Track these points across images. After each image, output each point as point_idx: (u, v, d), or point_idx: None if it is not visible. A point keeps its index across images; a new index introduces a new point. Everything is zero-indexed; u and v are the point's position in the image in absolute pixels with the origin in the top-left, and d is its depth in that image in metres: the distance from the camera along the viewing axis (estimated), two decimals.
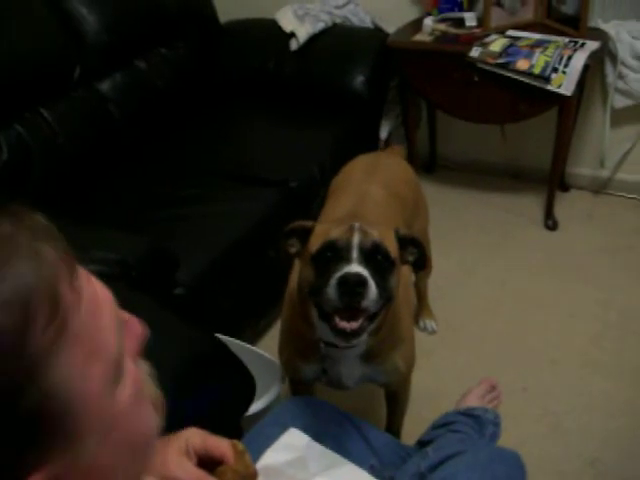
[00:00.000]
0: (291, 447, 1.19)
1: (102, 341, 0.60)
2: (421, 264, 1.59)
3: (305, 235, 1.53)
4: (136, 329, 0.68)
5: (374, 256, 1.41)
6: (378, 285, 1.37)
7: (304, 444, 1.21)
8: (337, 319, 1.38)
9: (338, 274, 1.35)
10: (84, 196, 2.46)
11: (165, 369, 1.35)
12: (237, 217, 2.33)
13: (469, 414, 1.95)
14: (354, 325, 1.37)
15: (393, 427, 2.05)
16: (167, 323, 1.45)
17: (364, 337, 1.45)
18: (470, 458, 1.40)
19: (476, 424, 1.91)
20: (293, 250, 1.56)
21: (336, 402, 1.62)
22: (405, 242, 1.54)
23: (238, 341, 1.99)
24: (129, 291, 1.43)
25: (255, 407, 1.72)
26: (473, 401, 2.13)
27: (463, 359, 2.34)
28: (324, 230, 1.47)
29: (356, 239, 1.40)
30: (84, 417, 0.58)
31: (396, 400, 1.97)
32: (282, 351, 1.80)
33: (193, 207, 2.33)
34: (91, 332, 0.58)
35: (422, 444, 1.73)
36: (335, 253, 1.40)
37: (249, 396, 1.55)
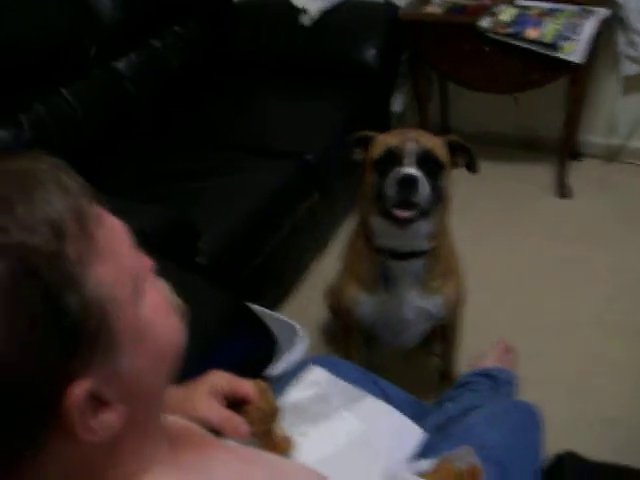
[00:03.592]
0: (313, 384, 1.23)
1: (124, 258, 0.66)
2: (472, 167, 1.82)
3: (367, 144, 1.79)
4: (147, 260, 0.74)
5: (425, 160, 1.68)
6: (429, 184, 1.65)
7: (325, 380, 1.24)
8: (395, 210, 1.66)
9: (395, 175, 1.64)
10: (103, 172, 2.48)
11: (189, 327, 1.40)
12: (255, 188, 2.37)
13: (486, 374, 1.98)
14: (408, 214, 1.66)
15: (447, 365, 2.24)
16: (191, 283, 1.50)
17: (418, 227, 1.72)
18: (489, 410, 1.44)
19: (493, 383, 1.94)
20: (359, 157, 1.82)
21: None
22: (455, 148, 1.78)
23: (257, 306, 2.02)
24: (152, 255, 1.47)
25: (276, 369, 1.77)
26: (490, 362, 2.16)
27: (478, 325, 2.37)
28: (383, 139, 1.74)
29: (410, 146, 1.67)
30: (118, 325, 0.64)
31: (448, 336, 2.17)
32: (344, 285, 1.97)
33: (211, 180, 2.37)
34: (114, 249, 0.65)
35: (440, 403, 1.77)
36: (393, 158, 1.68)
37: (270, 354, 1.59)
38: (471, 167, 1.82)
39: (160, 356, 0.71)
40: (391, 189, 1.64)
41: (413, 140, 1.69)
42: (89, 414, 0.62)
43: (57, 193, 0.61)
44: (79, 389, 0.60)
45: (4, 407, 0.58)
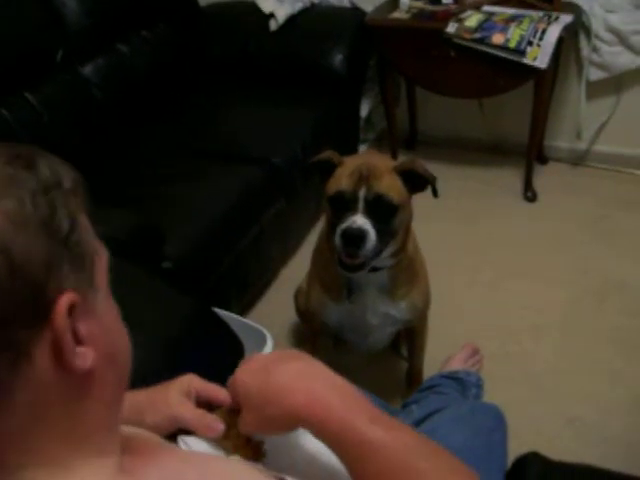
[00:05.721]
0: None
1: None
2: (433, 193, 1.75)
3: (328, 169, 1.73)
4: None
5: (377, 205, 1.62)
6: (379, 231, 1.62)
7: None
8: (342, 255, 1.65)
9: (343, 225, 1.60)
10: None
11: (154, 333, 1.40)
12: (222, 193, 2.37)
13: (452, 377, 2.00)
14: (355, 261, 1.64)
15: (414, 368, 2.22)
16: (155, 289, 1.49)
17: (366, 271, 1.70)
18: (453, 412, 1.45)
19: (459, 386, 1.96)
20: (316, 180, 1.80)
21: None
22: (410, 175, 1.70)
23: (225, 311, 2.02)
24: (117, 260, 1.47)
25: None
26: (456, 365, 2.19)
27: (445, 327, 2.39)
28: (339, 175, 1.68)
29: (362, 192, 1.62)
30: (98, 268, 0.69)
31: (415, 339, 2.15)
32: (310, 290, 1.98)
33: (177, 185, 2.36)
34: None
35: (406, 406, 1.78)
36: (343, 203, 1.64)
37: (237, 359, 1.59)
38: (433, 192, 1.76)
39: (116, 353, 0.72)
40: (338, 239, 1.62)
41: (365, 183, 1.62)
42: (71, 336, 0.63)
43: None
44: (67, 297, 0.63)
45: (12, 291, 0.60)
